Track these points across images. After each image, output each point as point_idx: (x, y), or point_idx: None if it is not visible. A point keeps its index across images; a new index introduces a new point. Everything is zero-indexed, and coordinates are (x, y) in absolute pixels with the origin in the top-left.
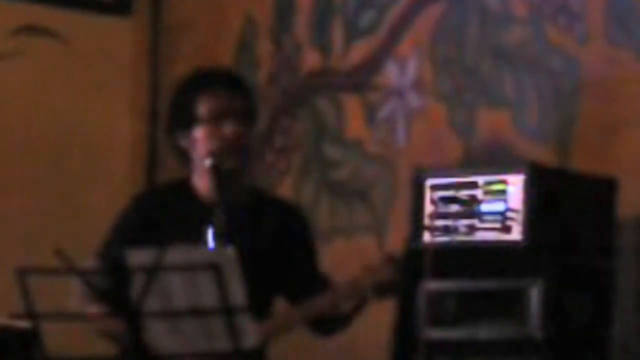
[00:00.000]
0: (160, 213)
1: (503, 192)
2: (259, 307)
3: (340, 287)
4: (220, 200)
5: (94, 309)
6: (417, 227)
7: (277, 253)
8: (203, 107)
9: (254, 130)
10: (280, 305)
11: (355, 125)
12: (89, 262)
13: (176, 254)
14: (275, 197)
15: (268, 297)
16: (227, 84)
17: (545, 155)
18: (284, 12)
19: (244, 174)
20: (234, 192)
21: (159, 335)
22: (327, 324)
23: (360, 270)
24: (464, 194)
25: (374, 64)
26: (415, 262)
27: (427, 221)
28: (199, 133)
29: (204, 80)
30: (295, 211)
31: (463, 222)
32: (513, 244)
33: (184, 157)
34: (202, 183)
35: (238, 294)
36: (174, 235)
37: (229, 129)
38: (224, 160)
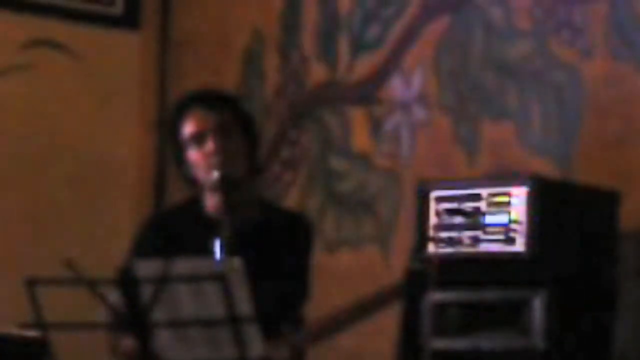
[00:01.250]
0: (172, 235)
1: (506, 204)
2: (271, 317)
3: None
4: (228, 211)
5: (127, 342)
6: (422, 238)
7: (281, 264)
8: (184, 132)
9: (252, 140)
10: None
11: (360, 138)
12: (113, 295)
13: (183, 265)
14: (282, 209)
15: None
16: (202, 104)
17: (548, 168)
18: (290, 26)
19: (251, 185)
20: (241, 204)
21: (166, 344)
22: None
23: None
24: (468, 206)
25: (379, 77)
26: (420, 273)
27: (431, 233)
28: (190, 156)
29: (181, 106)
30: (300, 222)
31: (467, 234)
32: (516, 255)
33: (192, 183)
34: (210, 203)
35: (244, 303)
36: (184, 253)
37: (208, 145)
38: (231, 171)
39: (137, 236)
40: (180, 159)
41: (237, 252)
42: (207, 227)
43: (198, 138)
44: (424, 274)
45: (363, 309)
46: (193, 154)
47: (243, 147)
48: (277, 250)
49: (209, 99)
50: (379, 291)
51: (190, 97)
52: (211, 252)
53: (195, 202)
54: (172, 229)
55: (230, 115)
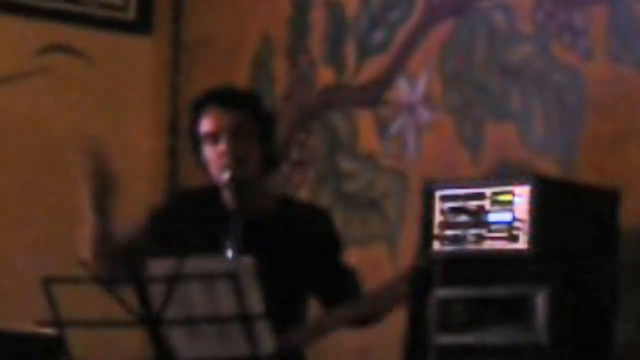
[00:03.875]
0: (191, 216)
1: (510, 202)
2: (289, 312)
3: (376, 292)
4: (237, 212)
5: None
6: (428, 236)
7: (304, 257)
8: (202, 128)
9: (268, 138)
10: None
11: (367, 139)
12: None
13: (196, 264)
14: (300, 202)
15: (298, 301)
16: (220, 103)
17: (550, 167)
18: (299, 31)
19: (264, 182)
20: (256, 201)
21: (179, 342)
22: (362, 322)
23: (395, 276)
24: (472, 204)
25: (385, 80)
26: (426, 270)
27: (437, 231)
28: (205, 152)
29: (202, 102)
30: (319, 213)
31: (471, 232)
32: (520, 252)
33: (208, 174)
34: (226, 196)
35: (255, 301)
36: (200, 239)
37: (222, 145)
38: (241, 173)
39: (155, 211)
40: (198, 151)
41: (250, 247)
42: (224, 217)
43: (213, 137)
44: (430, 271)
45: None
46: (207, 151)
47: (258, 146)
48: (297, 242)
49: (227, 98)
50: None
51: (210, 94)
52: (224, 244)
53: (214, 190)
54: (191, 212)
55: (247, 116)
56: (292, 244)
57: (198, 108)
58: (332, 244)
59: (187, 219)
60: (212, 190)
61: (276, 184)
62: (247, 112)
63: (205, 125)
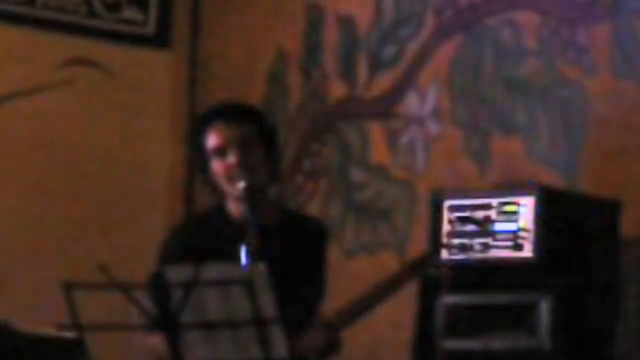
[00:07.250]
0: (200, 241)
1: (515, 212)
2: (295, 319)
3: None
4: (252, 220)
5: (154, 338)
6: (436, 245)
7: (299, 268)
8: (208, 144)
9: (273, 150)
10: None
11: (378, 151)
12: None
13: (211, 270)
14: (301, 215)
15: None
16: (225, 118)
17: (554, 179)
18: (312, 46)
19: (269, 194)
20: (262, 212)
21: (195, 346)
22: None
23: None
24: (479, 214)
25: (395, 93)
26: (434, 278)
27: (444, 239)
28: (214, 167)
29: (206, 118)
30: (315, 226)
31: (478, 241)
32: (524, 261)
33: (216, 189)
34: (234, 208)
35: (269, 306)
36: (212, 258)
37: (231, 157)
38: (254, 182)
39: (165, 244)
40: (205, 168)
41: (260, 256)
42: (234, 232)
43: (221, 151)
44: (437, 278)
45: (385, 289)
46: (216, 165)
47: (264, 158)
48: (294, 253)
49: (231, 113)
50: (398, 269)
51: (214, 110)
52: (238, 256)
53: (220, 209)
54: (200, 237)
55: (252, 129)
56: (293, 254)
57: (204, 124)
58: (320, 260)
59: (199, 239)
60: (216, 208)
61: (275, 195)
62: (252, 125)
63: (212, 140)
